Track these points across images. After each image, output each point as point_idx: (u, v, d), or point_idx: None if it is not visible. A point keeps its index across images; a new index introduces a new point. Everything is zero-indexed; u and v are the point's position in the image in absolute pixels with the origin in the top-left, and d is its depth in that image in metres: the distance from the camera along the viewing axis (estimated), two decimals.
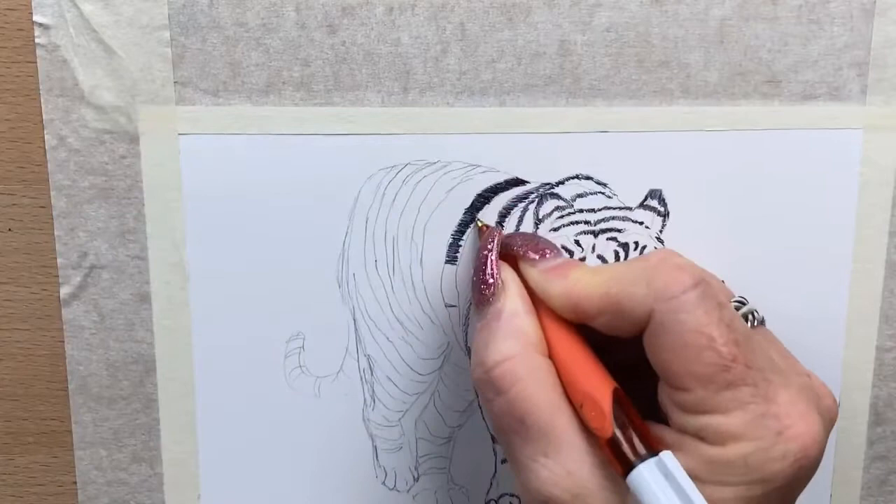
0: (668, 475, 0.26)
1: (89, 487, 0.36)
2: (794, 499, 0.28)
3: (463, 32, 0.34)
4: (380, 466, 0.37)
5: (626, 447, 0.27)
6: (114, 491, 0.37)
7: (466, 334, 0.36)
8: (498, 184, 0.35)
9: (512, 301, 0.31)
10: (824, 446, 0.28)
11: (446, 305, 0.36)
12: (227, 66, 0.33)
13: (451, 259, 0.36)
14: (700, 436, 0.27)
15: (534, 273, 0.32)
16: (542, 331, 0.31)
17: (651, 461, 0.27)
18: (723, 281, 0.32)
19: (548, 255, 0.32)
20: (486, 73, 0.34)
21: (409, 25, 0.33)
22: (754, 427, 0.27)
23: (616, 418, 0.28)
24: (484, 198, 0.35)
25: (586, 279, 0.30)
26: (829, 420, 0.29)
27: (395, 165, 0.35)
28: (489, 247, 0.32)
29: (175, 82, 0.33)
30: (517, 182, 0.35)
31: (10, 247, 0.34)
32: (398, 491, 0.38)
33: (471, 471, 0.38)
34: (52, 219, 0.34)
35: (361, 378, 0.37)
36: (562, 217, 0.36)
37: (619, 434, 0.27)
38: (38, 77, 0.33)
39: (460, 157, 0.35)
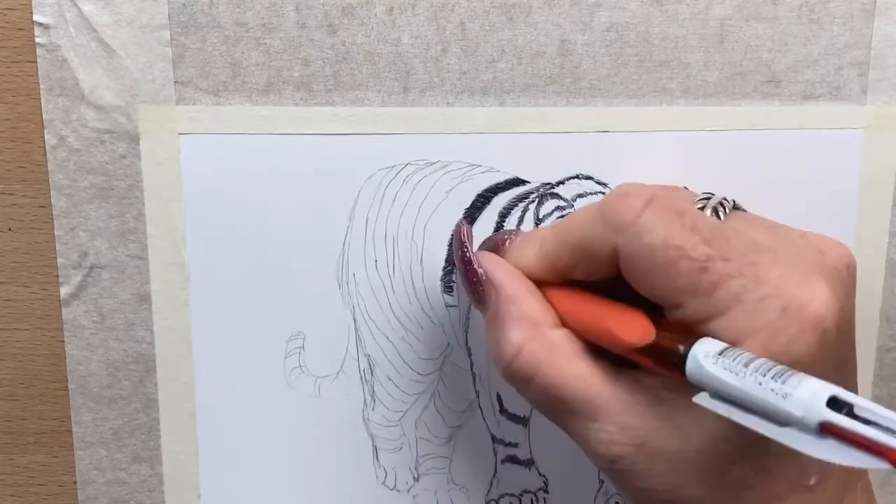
0: (720, 353, 0.25)
1: (89, 487, 0.36)
2: (846, 369, 0.27)
3: (463, 32, 0.34)
4: (380, 466, 0.37)
5: (671, 340, 0.26)
6: (114, 491, 0.37)
7: (466, 334, 0.36)
8: (498, 184, 0.35)
9: (505, 288, 0.30)
10: (842, 302, 0.26)
11: (446, 305, 0.36)
12: (227, 66, 0.33)
13: (451, 259, 0.36)
14: None
15: (510, 254, 0.31)
16: (550, 301, 0.30)
17: (700, 343, 0.25)
18: (685, 187, 0.32)
19: (515, 237, 0.32)
20: (486, 73, 0.34)
21: (410, 25, 0.33)
22: (757, 314, 0.25)
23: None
24: (484, 198, 0.35)
25: (550, 237, 0.30)
26: (841, 272, 0.27)
27: (395, 165, 0.35)
28: (463, 244, 0.32)
29: (175, 82, 0.33)
30: (517, 182, 0.35)
31: (10, 247, 0.34)
32: (398, 491, 0.38)
33: (471, 471, 0.38)
34: (52, 219, 0.34)
35: (361, 378, 0.37)
36: (562, 217, 0.36)
37: (661, 334, 0.27)
38: (38, 77, 0.33)
39: (460, 157, 0.35)
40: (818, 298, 0.26)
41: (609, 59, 0.34)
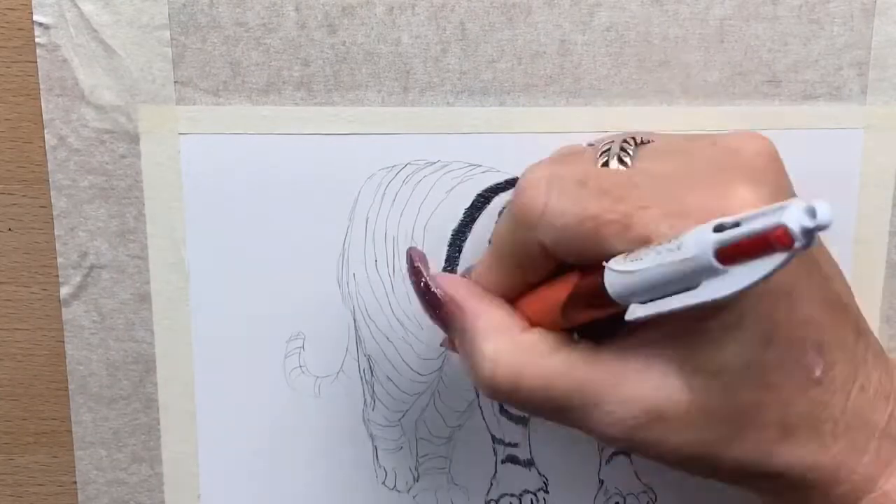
0: (626, 255, 0.25)
1: (89, 487, 0.36)
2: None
3: (463, 32, 0.34)
4: (380, 466, 0.37)
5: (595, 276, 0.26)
6: (114, 491, 0.37)
7: None
8: (498, 184, 0.35)
9: (468, 304, 0.29)
10: (768, 193, 0.26)
11: None
12: (227, 66, 0.33)
13: (452, 259, 0.36)
14: None
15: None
16: (518, 309, 0.30)
17: (612, 260, 0.25)
18: (590, 143, 0.32)
19: (469, 273, 0.31)
20: (486, 73, 0.34)
21: (410, 25, 0.33)
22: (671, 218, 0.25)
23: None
24: (484, 198, 0.35)
25: (488, 260, 0.30)
26: (759, 166, 0.27)
27: (395, 165, 0.35)
28: (417, 269, 0.31)
29: (175, 82, 0.33)
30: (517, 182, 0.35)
31: (10, 247, 0.34)
32: (398, 491, 0.38)
33: (471, 471, 0.38)
34: (52, 219, 0.34)
35: (361, 378, 0.37)
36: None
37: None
38: (38, 77, 0.33)
39: (460, 157, 0.35)
40: (739, 200, 0.25)
41: (609, 59, 0.34)
